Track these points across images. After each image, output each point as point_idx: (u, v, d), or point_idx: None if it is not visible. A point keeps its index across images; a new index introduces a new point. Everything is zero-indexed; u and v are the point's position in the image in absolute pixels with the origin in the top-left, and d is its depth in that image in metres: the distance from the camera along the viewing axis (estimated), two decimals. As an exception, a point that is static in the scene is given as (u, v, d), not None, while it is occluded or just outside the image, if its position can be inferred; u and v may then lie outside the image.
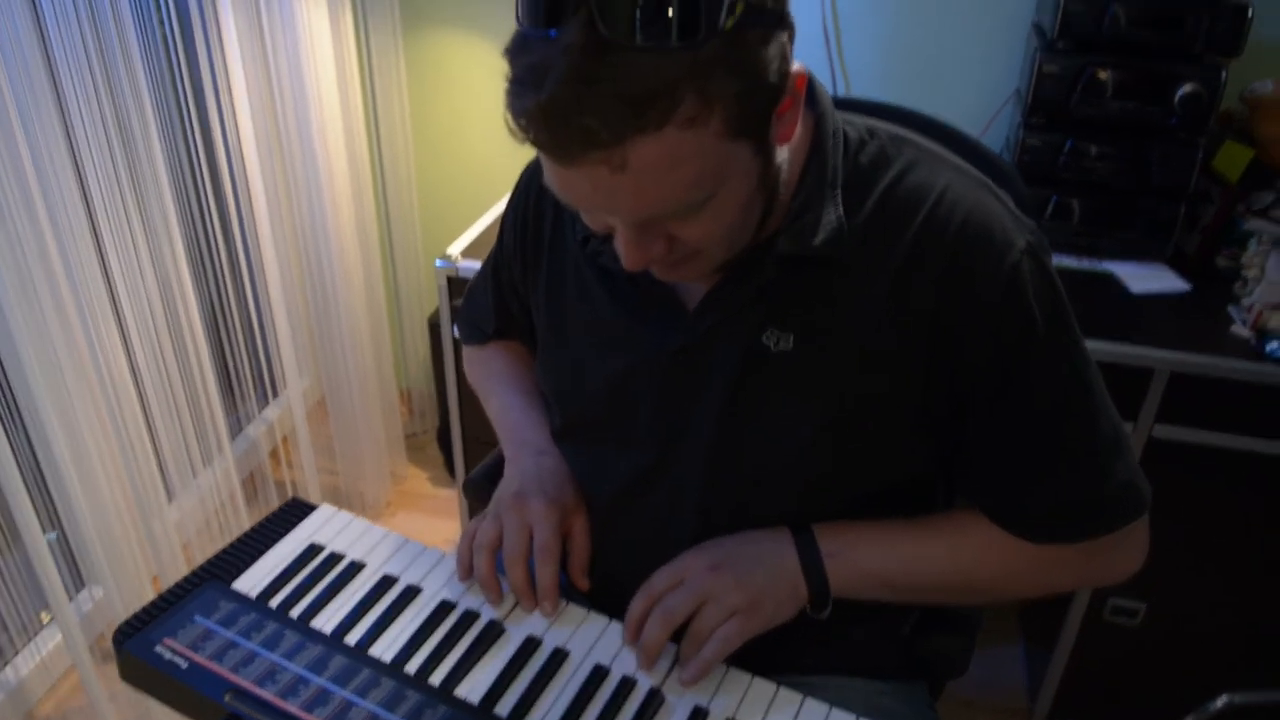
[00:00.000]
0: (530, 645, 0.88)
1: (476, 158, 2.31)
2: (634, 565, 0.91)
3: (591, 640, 0.89)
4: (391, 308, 2.43)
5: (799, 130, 0.81)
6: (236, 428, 2.30)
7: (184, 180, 1.80)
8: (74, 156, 1.48)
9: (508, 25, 0.63)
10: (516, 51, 0.63)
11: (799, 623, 0.89)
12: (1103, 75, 1.59)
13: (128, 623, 0.88)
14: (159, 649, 0.85)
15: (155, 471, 1.78)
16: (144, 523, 1.78)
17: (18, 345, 1.44)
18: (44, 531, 1.57)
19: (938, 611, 1.00)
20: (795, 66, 0.69)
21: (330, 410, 2.36)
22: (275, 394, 2.34)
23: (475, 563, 0.91)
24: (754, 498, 0.87)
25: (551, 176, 0.68)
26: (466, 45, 2.19)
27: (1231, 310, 1.54)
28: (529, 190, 0.99)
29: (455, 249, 1.79)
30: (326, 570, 0.95)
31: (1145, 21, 1.57)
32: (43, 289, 1.44)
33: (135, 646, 0.85)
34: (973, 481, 0.86)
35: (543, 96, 0.60)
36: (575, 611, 0.92)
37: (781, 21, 0.66)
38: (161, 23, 1.60)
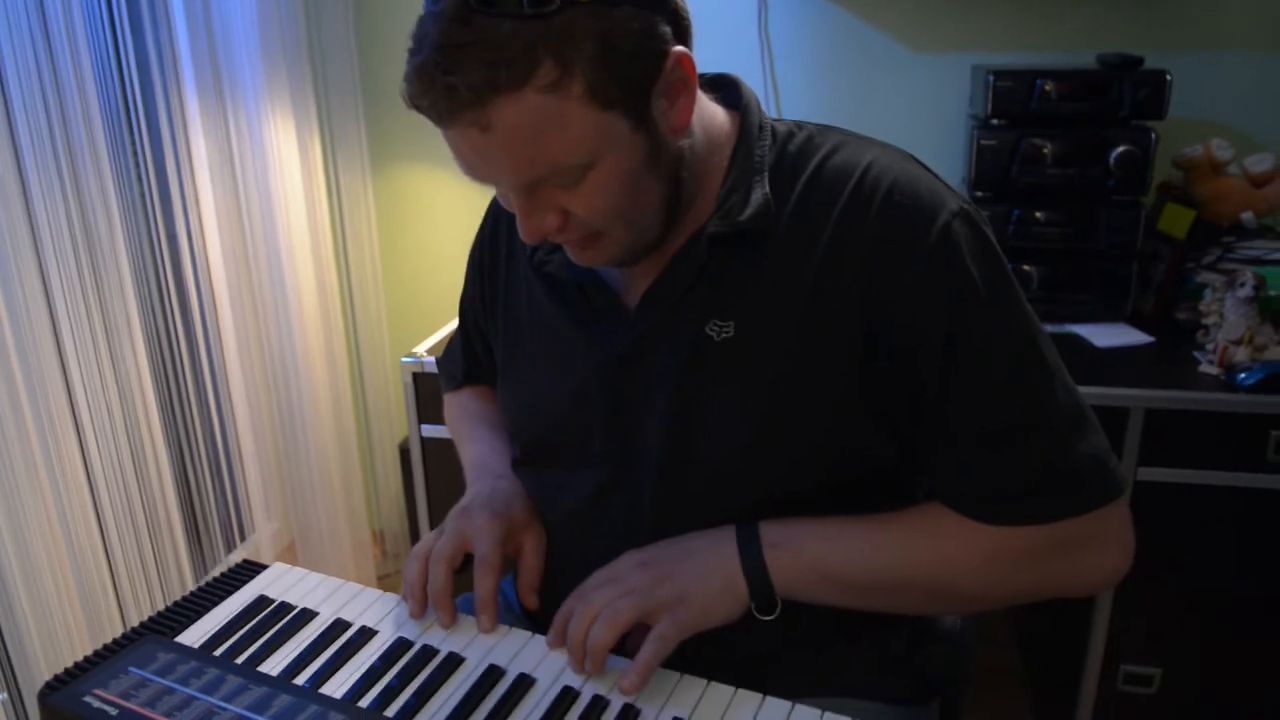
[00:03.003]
0: (493, 674, 0.81)
1: (443, 283, 2.35)
2: None
3: (560, 667, 0.82)
4: (362, 439, 2.40)
5: (725, 124, 0.84)
6: (202, 571, 2.21)
7: (152, 312, 1.80)
8: (44, 282, 1.48)
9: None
10: (415, 27, 0.68)
11: (782, 643, 0.84)
12: (1038, 145, 1.66)
13: (56, 677, 0.81)
14: (87, 699, 0.78)
15: (116, 616, 1.69)
16: (98, 664, 1.67)
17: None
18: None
19: (928, 626, 0.94)
20: (675, 49, 0.72)
21: (300, 555, 2.28)
22: (243, 537, 2.26)
23: (405, 569, 0.88)
24: (710, 502, 0.84)
25: (454, 152, 0.72)
26: (433, 178, 2.26)
27: (1196, 355, 1.54)
28: (485, 226, 1.03)
29: (422, 348, 1.79)
30: (276, 619, 0.89)
31: (1071, 94, 1.65)
32: (9, 425, 1.41)
33: (61, 699, 0.78)
34: (927, 462, 0.81)
35: (417, 60, 0.66)
36: (540, 642, 0.85)
37: (653, 3, 0.70)
38: (134, 150, 1.65)
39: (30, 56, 1.36)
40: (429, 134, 2.30)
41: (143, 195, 1.67)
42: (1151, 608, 1.53)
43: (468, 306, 1.08)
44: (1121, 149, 1.62)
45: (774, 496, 0.83)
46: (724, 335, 0.81)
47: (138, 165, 1.65)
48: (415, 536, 2.19)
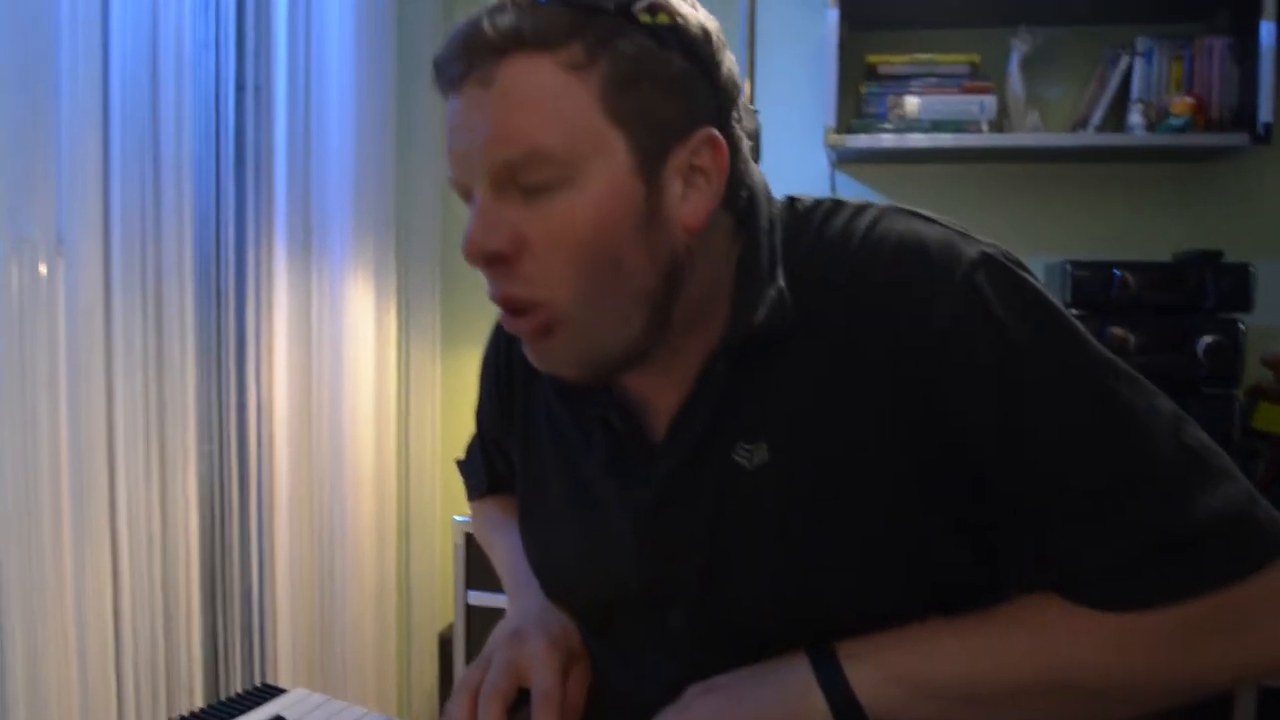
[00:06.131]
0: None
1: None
2: None
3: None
4: (401, 623, 2.27)
5: (727, 244, 0.74)
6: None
7: (210, 457, 1.78)
8: (108, 401, 1.48)
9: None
10: None
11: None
12: (1120, 335, 1.62)
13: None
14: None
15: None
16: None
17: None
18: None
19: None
20: (707, 128, 0.67)
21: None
22: None
23: (450, 707, 0.76)
24: (757, 658, 0.73)
25: (447, 130, 0.68)
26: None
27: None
28: (497, 342, 0.94)
29: (475, 507, 1.72)
30: (290, 734, 0.79)
31: (1151, 284, 1.63)
32: (47, 553, 1.36)
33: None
34: (1019, 553, 0.69)
35: (465, 22, 0.66)
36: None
37: (711, 79, 0.68)
38: (217, 291, 1.70)
39: (138, 185, 1.44)
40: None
41: (219, 339, 1.70)
42: None
43: (485, 422, 0.99)
44: (1209, 339, 1.58)
45: (837, 634, 0.71)
46: (757, 461, 0.71)
47: (219, 307, 1.69)
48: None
